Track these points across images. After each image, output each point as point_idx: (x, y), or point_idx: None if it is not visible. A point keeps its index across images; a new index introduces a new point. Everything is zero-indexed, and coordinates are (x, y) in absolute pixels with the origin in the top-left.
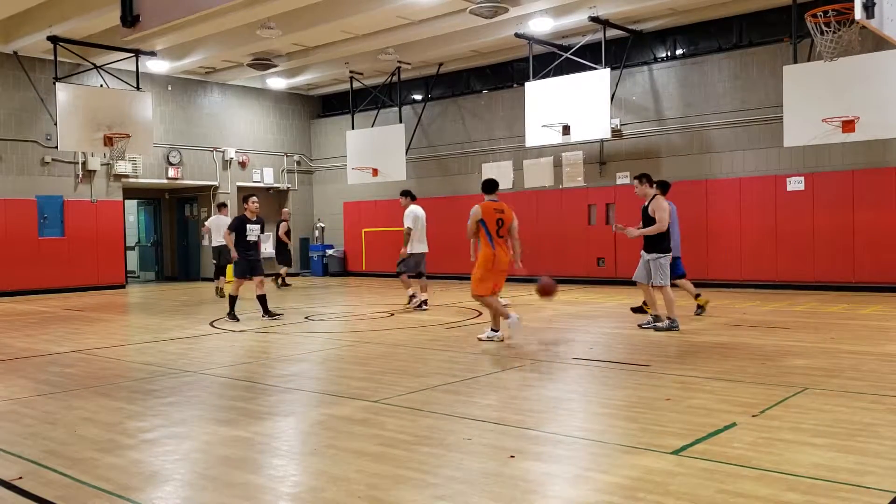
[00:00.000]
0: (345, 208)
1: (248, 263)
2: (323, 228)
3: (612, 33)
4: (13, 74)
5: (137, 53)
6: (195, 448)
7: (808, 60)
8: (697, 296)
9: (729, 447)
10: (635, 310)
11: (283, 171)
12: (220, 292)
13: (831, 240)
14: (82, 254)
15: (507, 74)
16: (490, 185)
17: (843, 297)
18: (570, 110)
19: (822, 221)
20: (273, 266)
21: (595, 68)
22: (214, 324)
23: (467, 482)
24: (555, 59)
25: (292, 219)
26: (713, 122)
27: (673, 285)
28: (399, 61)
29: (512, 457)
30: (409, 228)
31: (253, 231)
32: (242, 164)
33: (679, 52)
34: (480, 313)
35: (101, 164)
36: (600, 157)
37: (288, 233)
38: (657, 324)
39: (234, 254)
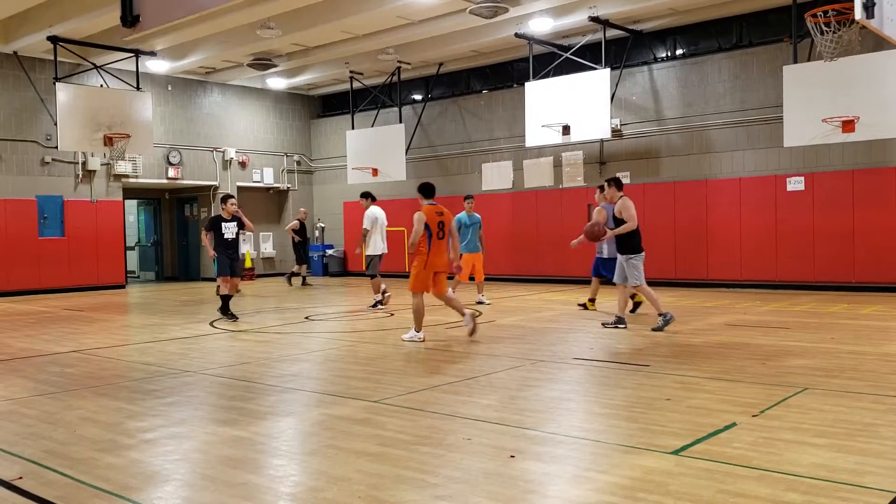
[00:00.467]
0: (345, 208)
1: (230, 262)
2: (323, 228)
3: (612, 33)
4: (13, 74)
5: (137, 53)
6: (195, 448)
7: (808, 60)
8: (591, 300)
9: (729, 447)
10: (582, 306)
11: (283, 171)
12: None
13: (831, 240)
14: (82, 254)
15: (507, 74)
16: (428, 190)
17: (843, 297)
18: (570, 110)
19: (822, 221)
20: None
21: (595, 68)
22: (214, 324)
23: (467, 482)
24: (555, 59)
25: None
26: (713, 122)
27: (612, 283)
28: (399, 61)
29: (512, 457)
30: (367, 230)
31: (229, 229)
32: (242, 164)
33: (679, 52)
34: (480, 313)
35: (101, 164)
36: (600, 157)
37: (299, 231)
38: (621, 325)
39: (210, 252)
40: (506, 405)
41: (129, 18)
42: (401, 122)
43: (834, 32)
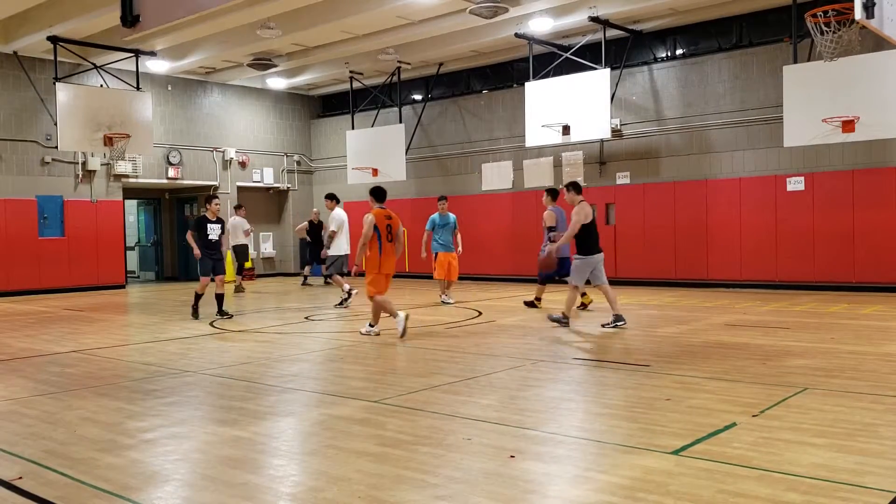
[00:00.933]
0: (345, 208)
1: (213, 262)
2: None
3: (612, 33)
4: (13, 74)
5: (137, 53)
6: (195, 448)
7: (808, 60)
8: (538, 299)
9: (729, 447)
10: (581, 307)
11: (283, 171)
12: (239, 288)
13: (831, 240)
14: (82, 254)
15: (507, 74)
16: (380, 194)
17: (843, 297)
18: (570, 110)
19: (822, 221)
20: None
21: (595, 68)
22: (214, 324)
23: (467, 482)
24: (555, 59)
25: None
26: (713, 122)
27: (563, 282)
28: (399, 61)
29: (512, 457)
30: (334, 231)
31: (213, 230)
32: (242, 164)
33: (679, 52)
34: (480, 313)
35: (101, 164)
36: (600, 157)
37: (310, 231)
38: (561, 321)
39: (196, 252)
40: (506, 405)
41: (129, 18)
42: (401, 122)
43: (834, 32)
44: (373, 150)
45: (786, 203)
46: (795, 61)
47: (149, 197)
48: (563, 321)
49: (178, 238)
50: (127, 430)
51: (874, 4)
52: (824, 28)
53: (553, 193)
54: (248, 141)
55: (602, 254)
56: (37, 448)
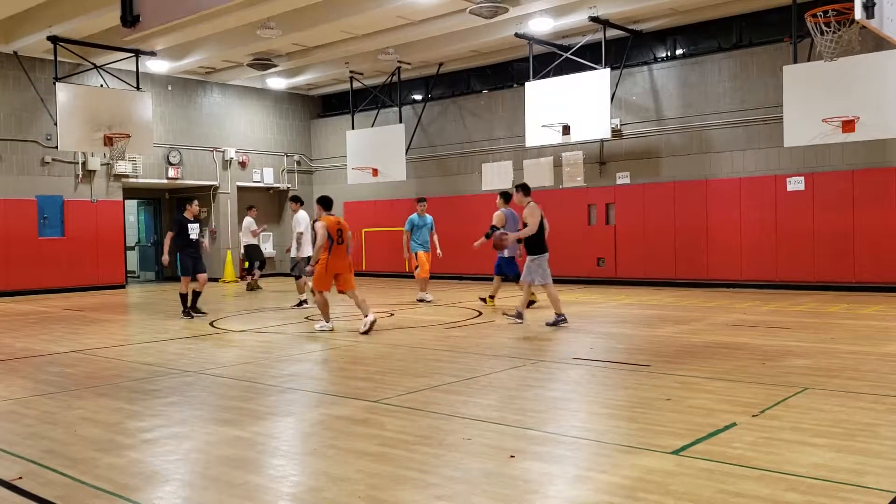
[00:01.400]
0: (345, 208)
1: (193, 261)
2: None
3: (612, 33)
4: (13, 74)
5: (137, 53)
6: (195, 448)
7: (808, 60)
8: (491, 297)
9: (729, 447)
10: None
11: (283, 171)
12: (253, 286)
13: (831, 240)
14: (82, 254)
15: (507, 74)
16: (328, 203)
17: (843, 297)
18: (570, 110)
19: (822, 221)
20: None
21: (595, 68)
22: (214, 324)
23: (467, 482)
24: (555, 59)
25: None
26: (713, 122)
27: (513, 281)
28: (399, 61)
29: (512, 457)
30: (301, 233)
31: (193, 230)
32: (242, 164)
33: (679, 52)
34: (480, 313)
35: (101, 164)
36: (600, 157)
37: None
38: (519, 319)
39: (165, 257)
40: (506, 405)
41: (129, 18)
42: (401, 122)
43: (834, 32)
44: (373, 150)
45: (786, 203)
46: (795, 61)
47: (149, 197)
48: (518, 317)
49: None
50: (127, 430)
51: (874, 4)
52: (824, 28)
53: (506, 196)
54: (248, 141)
55: (547, 253)
56: (37, 448)
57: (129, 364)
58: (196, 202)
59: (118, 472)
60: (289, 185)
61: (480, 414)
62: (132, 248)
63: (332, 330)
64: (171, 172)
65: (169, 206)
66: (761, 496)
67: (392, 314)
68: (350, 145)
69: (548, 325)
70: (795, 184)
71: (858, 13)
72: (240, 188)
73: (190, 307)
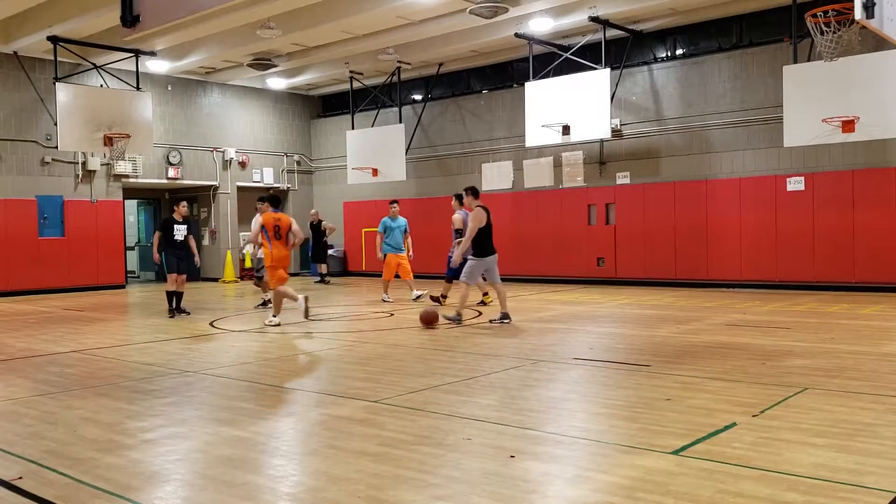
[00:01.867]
0: (345, 208)
1: (177, 261)
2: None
3: (612, 33)
4: (13, 74)
5: (137, 53)
6: (195, 448)
7: (808, 60)
8: (444, 296)
9: (729, 447)
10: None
11: (283, 171)
12: (259, 284)
13: (831, 240)
14: (82, 254)
15: (507, 74)
16: (275, 201)
17: (843, 297)
18: (570, 110)
19: (822, 221)
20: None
21: (595, 68)
22: (214, 324)
23: (467, 482)
24: (555, 59)
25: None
26: (713, 122)
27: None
28: (399, 61)
29: (512, 457)
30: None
31: (180, 231)
32: (242, 164)
33: (679, 52)
34: (480, 313)
35: (101, 164)
36: (600, 157)
37: (318, 230)
38: (454, 318)
39: (155, 255)
40: (506, 405)
41: (129, 18)
42: (401, 122)
43: (834, 32)
44: (373, 150)
45: (786, 203)
46: (795, 61)
47: (149, 197)
48: (457, 319)
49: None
50: (127, 430)
51: (874, 4)
52: (824, 28)
53: (461, 198)
54: (248, 141)
55: (496, 255)
56: (37, 448)
57: (129, 364)
58: (184, 203)
59: (118, 472)
60: (289, 186)
61: (480, 414)
62: (132, 248)
63: (278, 325)
64: (171, 172)
65: (169, 206)
66: (761, 496)
67: (392, 314)
68: (350, 145)
69: (445, 317)
70: (795, 184)
71: (858, 13)
72: (240, 188)
73: (174, 307)
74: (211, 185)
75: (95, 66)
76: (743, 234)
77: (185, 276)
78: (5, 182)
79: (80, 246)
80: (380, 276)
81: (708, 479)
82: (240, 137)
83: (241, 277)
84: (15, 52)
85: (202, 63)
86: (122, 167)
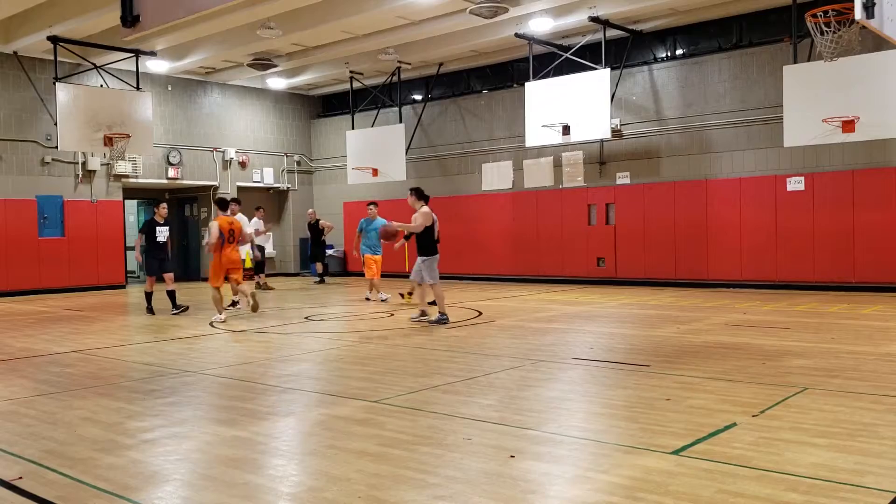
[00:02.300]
0: (345, 208)
1: (158, 262)
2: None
3: (612, 33)
4: (13, 74)
5: (137, 53)
6: (195, 448)
7: (808, 60)
8: (410, 293)
9: (729, 447)
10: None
11: (283, 171)
12: (265, 286)
13: (831, 240)
14: (82, 254)
15: (507, 74)
16: (223, 204)
17: (843, 297)
18: (570, 110)
19: (822, 221)
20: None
21: (595, 68)
22: (214, 324)
23: (467, 482)
24: (555, 59)
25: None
26: (713, 122)
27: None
28: (399, 61)
29: (512, 457)
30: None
31: (162, 233)
32: (242, 164)
33: (679, 52)
34: (480, 313)
35: (101, 164)
36: (600, 157)
37: (316, 230)
38: (425, 318)
39: (137, 256)
40: (506, 405)
41: (129, 18)
42: (401, 122)
43: (834, 32)
44: (373, 150)
45: (786, 203)
46: (795, 61)
47: (149, 197)
48: (442, 319)
49: (178, 238)
50: (127, 430)
51: (874, 4)
52: (824, 28)
53: (420, 194)
54: (248, 141)
55: (437, 255)
56: (37, 448)
57: (129, 364)
58: (164, 205)
59: (118, 472)
60: (289, 186)
61: (480, 414)
62: (132, 248)
63: (224, 321)
64: (171, 172)
65: (169, 206)
66: (761, 496)
67: (392, 314)
68: (350, 145)
69: (412, 319)
70: (795, 184)
71: (858, 13)
72: (240, 188)
73: (172, 307)
74: (211, 186)
75: (95, 66)
76: (743, 234)
77: (171, 275)
78: (5, 182)
79: (80, 246)
80: (381, 276)
81: (708, 479)
82: (240, 137)
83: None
84: (15, 52)
85: (202, 63)
86: (122, 167)
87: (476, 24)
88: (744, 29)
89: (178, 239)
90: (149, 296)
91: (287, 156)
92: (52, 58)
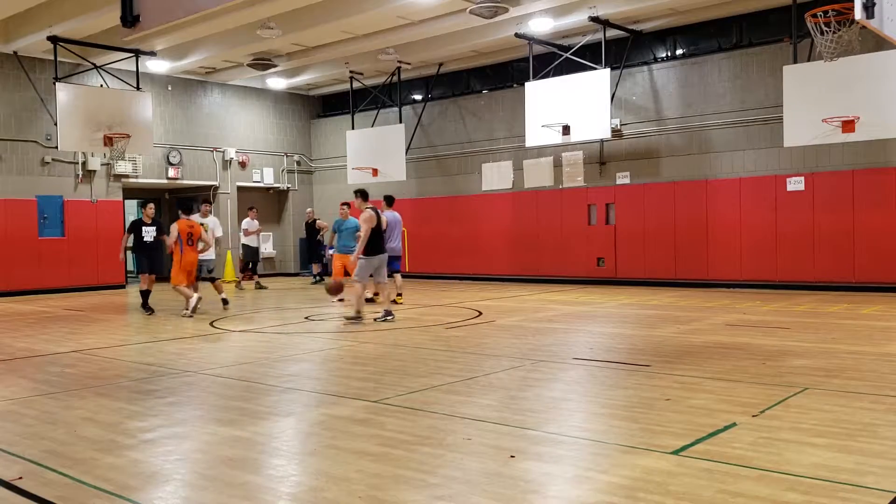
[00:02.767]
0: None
1: (148, 261)
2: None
3: (612, 33)
4: (13, 74)
5: (137, 53)
6: (195, 448)
7: (808, 60)
8: (398, 295)
9: (729, 447)
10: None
11: (283, 171)
12: (259, 285)
13: (831, 240)
14: (82, 254)
15: (507, 74)
16: (186, 206)
17: (843, 297)
18: (570, 110)
19: (822, 221)
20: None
21: (595, 68)
22: (214, 324)
23: (467, 482)
24: (555, 59)
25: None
26: (713, 122)
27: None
28: (399, 61)
29: (512, 457)
30: (220, 237)
31: (148, 232)
32: (242, 164)
33: (679, 52)
34: (480, 313)
35: (101, 164)
36: (600, 157)
37: (313, 230)
38: (391, 317)
39: (121, 255)
40: (506, 405)
41: (129, 18)
42: (401, 122)
43: (834, 32)
44: (373, 150)
45: (786, 203)
46: (795, 61)
47: (149, 197)
48: (356, 318)
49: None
50: (127, 430)
51: (874, 4)
52: (824, 28)
53: (389, 200)
54: (248, 141)
55: (385, 255)
56: (37, 448)
57: (129, 364)
58: (151, 205)
59: (118, 472)
60: (289, 185)
61: (480, 414)
62: (132, 248)
63: (191, 316)
64: (171, 172)
65: (169, 206)
66: (761, 496)
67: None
68: (350, 145)
69: (346, 318)
70: (795, 184)
71: (858, 13)
72: (240, 188)
73: (143, 303)
74: (211, 185)
75: (95, 66)
76: (743, 234)
77: (154, 277)
78: (5, 182)
79: (80, 246)
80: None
81: (708, 479)
82: (240, 137)
83: (243, 277)
84: (15, 52)
85: (202, 63)
86: (122, 167)
87: (476, 24)
88: (744, 29)
89: None
90: (144, 294)
91: (287, 156)
92: (52, 58)
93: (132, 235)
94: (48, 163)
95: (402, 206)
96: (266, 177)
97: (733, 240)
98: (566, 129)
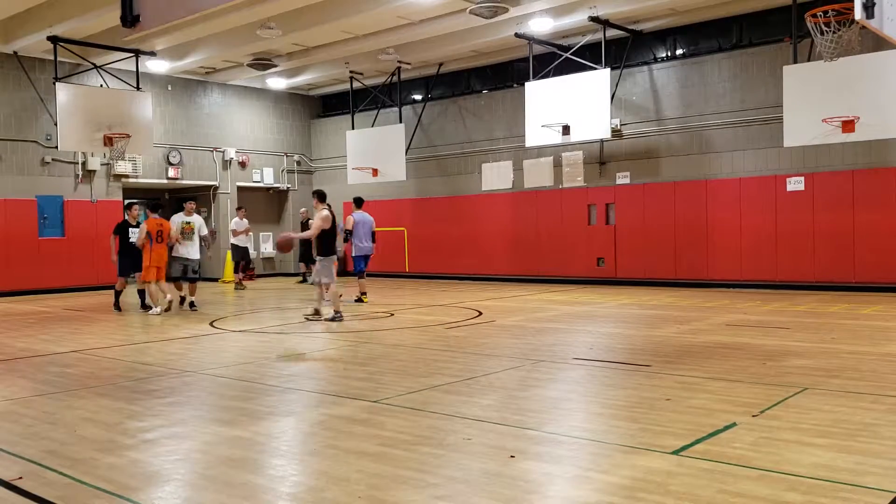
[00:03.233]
0: (345, 208)
1: (132, 262)
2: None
3: (612, 33)
4: (13, 74)
5: (137, 53)
6: (195, 448)
7: (808, 60)
8: (363, 294)
9: (729, 447)
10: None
11: (283, 171)
12: (239, 286)
13: (831, 240)
14: (82, 254)
15: (507, 74)
16: (155, 207)
17: (843, 297)
18: (570, 110)
19: (822, 221)
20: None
21: (595, 68)
22: (214, 324)
23: (467, 482)
24: (555, 59)
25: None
26: (713, 122)
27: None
28: (399, 61)
29: (512, 457)
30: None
31: (134, 234)
32: (242, 164)
33: (679, 52)
34: (480, 313)
35: (101, 164)
36: (600, 157)
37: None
38: (318, 316)
39: (113, 256)
40: (506, 405)
41: (129, 18)
42: (401, 122)
43: (834, 32)
44: (373, 150)
45: (786, 203)
46: (795, 61)
47: (149, 197)
48: (337, 317)
49: None
50: (127, 430)
51: (874, 4)
52: (824, 28)
53: (358, 201)
54: (248, 141)
55: (335, 256)
56: (37, 448)
57: (129, 364)
58: (136, 207)
59: (118, 472)
60: (289, 185)
61: (480, 414)
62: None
63: (159, 314)
64: (171, 172)
65: (169, 206)
66: (761, 496)
67: (392, 314)
68: (350, 145)
69: (305, 315)
70: (795, 184)
71: (858, 13)
72: (240, 188)
73: (140, 305)
74: (211, 185)
75: (95, 66)
76: (743, 234)
77: (126, 280)
78: (5, 182)
79: (80, 246)
80: (381, 276)
81: (708, 479)
82: (240, 137)
83: (242, 277)
84: (15, 52)
85: (202, 63)
86: (122, 167)
87: (476, 24)
88: (744, 29)
89: None
90: (117, 294)
91: (287, 156)
92: (52, 58)
93: (118, 237)
94: (48, 163)
95: (403, 207)
96: (266, 177)
97: (733, 240)
98: (566, 129)
